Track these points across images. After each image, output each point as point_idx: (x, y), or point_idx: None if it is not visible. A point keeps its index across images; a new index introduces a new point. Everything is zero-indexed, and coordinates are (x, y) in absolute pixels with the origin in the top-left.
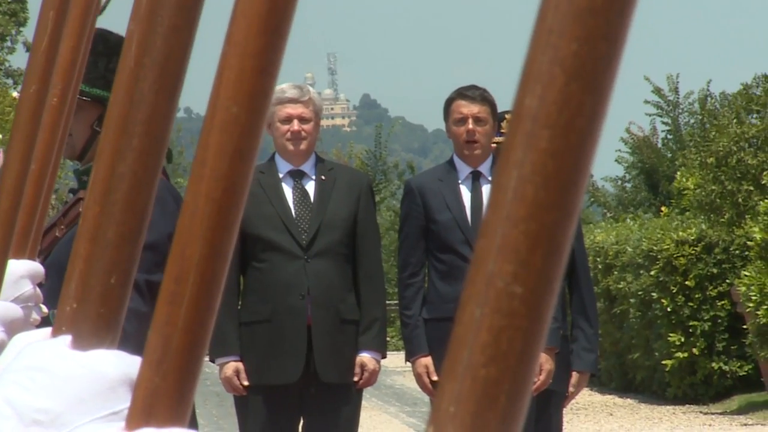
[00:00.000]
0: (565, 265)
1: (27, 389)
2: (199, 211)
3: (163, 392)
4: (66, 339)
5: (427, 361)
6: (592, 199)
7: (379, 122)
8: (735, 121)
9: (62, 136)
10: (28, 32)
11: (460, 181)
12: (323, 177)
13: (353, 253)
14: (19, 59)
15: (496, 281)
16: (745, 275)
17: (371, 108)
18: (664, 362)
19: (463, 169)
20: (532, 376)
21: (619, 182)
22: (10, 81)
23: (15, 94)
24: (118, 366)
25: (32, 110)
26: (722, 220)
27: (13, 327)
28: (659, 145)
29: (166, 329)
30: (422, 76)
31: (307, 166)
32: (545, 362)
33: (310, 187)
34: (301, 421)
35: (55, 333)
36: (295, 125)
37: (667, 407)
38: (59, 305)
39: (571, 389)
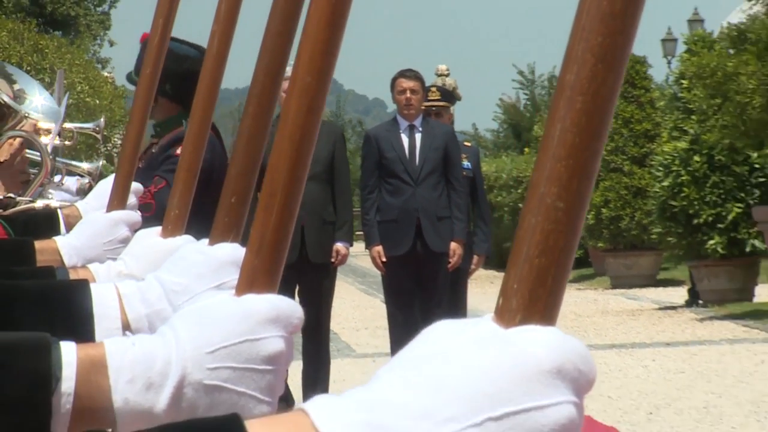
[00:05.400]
0: (593, 188)
1: (170, 271)
2: (284, 150)
3: (260, 270)
4: (204, 241)
5: (379, 248)
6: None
7: (338, 93)
8: None
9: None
10: (111, 33)
11: (401, 131)
12: None
13: (331, 178)
14: (104, 51)
15: (546, 199)
16: None
17: (332, 83)
18: None
19: (403, 124)
20: (570, 264)
21: (495, 132)
22: (99, 66)
23: (105, 73)
24: (230, 253)
25: (148, 87)
26: None
27: (134, 228)
28: (521, 108)
29: (263, 228)
30: (366, 60)
31: None
32: (457, 249)
33: None
34: (297, 288)
35: (164, 232)
36: None
37: None
38: (166, 212)
39: (473, 267)
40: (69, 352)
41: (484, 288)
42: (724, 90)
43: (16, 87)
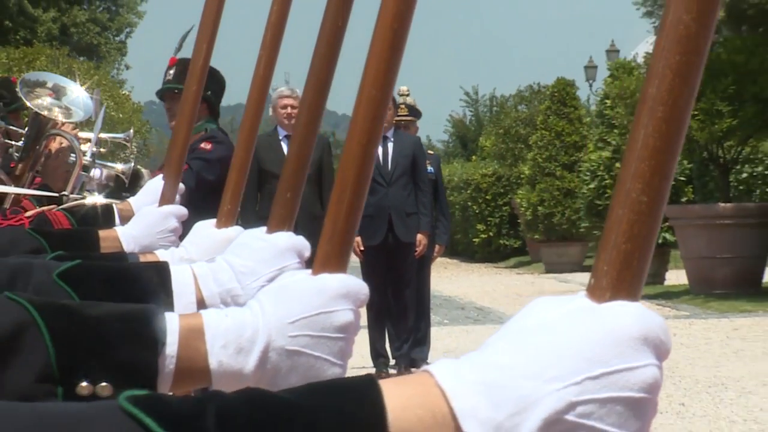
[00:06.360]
0: (671, 185)
1: (238, 255)
2: (353, 152)
3: (332, 254)
4: (262, 229)
5: (357, 239)
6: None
7: None
8: (514, 109)
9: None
10: (127, 59)
11: None
12: None
13: (320, 180)
14: (121, 74)
15: (631, 193)
16: (519, 193)
17: None
18: (474, 240)
19: None
20: (652, 249)
21: (446, 143)
22: (118, 86)
23: (124, 92)
24: (288, 241)
25: (193, 101)
26: (506, 163)
27: (181, 220)
28: (467, 123)
29: (335, 218)
30: (336, 80)
31: None
32: (423, 240)
33: None
34: None
35: (218, 224)
36: (289, 109)
37: (476, 264)
38: (220, 208)
39: (435, 255)
40: (172, 320)
41: (439, 272)
42: None
43: (50, 84)
